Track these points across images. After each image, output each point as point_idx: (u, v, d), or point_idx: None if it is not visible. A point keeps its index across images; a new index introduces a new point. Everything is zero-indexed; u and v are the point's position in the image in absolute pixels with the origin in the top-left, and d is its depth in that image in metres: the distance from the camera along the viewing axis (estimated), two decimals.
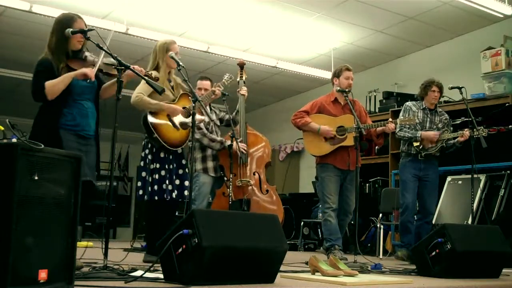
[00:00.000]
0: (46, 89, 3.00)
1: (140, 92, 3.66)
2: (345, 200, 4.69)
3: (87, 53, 3.18)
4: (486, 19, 6.38)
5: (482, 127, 4.72)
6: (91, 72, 3.05)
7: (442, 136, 4.86)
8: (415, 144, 4.88)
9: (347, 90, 4.53)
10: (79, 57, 3.17)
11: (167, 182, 3.73)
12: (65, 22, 3.13)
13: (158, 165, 3.75)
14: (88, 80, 3.07)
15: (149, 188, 3.72)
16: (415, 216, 5.11)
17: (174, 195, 3.76)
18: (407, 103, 5.14)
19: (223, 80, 4.43)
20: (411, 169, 4.93)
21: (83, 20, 3.21)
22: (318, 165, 4.78)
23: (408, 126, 4.95)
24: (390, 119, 4.60)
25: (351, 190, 4.67)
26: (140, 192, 3.77)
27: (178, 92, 3.89)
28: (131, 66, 3.16)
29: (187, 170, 3.89)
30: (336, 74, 4.74)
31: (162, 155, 3.77)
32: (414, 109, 4.97)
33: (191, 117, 3.71)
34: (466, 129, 4.79)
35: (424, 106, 5.00)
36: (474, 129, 4.70)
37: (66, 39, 3.10)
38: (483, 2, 5.67)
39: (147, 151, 3.81)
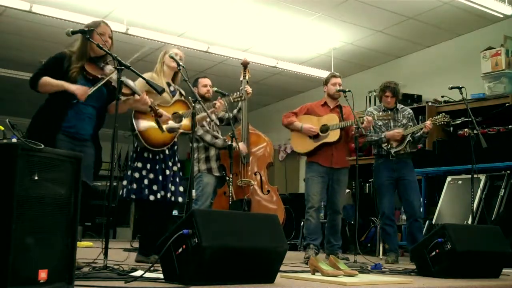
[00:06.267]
0: (39, 83, 3.04)
1: None
2: (332, 201, 4.83)
3: (108, 65, 3.20)
4: (486, 19, 6.38)
5: (443, 114, 4.85)
6: (82, 94, 3.04)
7: (406, 132, 4.94)
8: (384, 145, 4.96)
9: (347, 90, 4.59)
10: (97, 64, 3.20)
11: (145, 182, 3.67)
12: (89, 26, 3.20)
13: (140, 164, 3.72)
14: (75, 101, 3.08)
15: (129, 186, 3.70)
16: (405, 216, 5.21)
17: (159, 195, 3.68)
18: (368, 109, 5.31)
19: (231, 97, 4.32)
20: (385, 171, 5.01)
21: (107, 26, 3.26)
22: (306, 165, 4.94)
23: (373, 129, 5.06)
24: (367, 116, 4.71)
25: (338, 190, 4.80)
26: (123, 190, 3.76)
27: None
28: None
29: (175, 170, 3.84)
30: (325, 82, 4.99)
31: (145, 154, 3.74)
32: (375, 113, 5.04)
33: (181, 122, 3.75)
34: (428, 120, 4.89)
35: (384, 108, 5.09)
36: (437, 118, 4.83)
37: (87, 43, 3.14)
38: (483, 2, 5.66)
39: (133, 149, 3.82)
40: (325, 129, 4.74)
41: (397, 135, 4.91)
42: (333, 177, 4.78)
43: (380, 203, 5.05)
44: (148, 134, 3.70)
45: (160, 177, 3.71)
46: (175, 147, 3.89)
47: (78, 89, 3.04)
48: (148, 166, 3.72)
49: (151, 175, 3.70)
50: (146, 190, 3.66)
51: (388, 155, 4.96)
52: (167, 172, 3.76)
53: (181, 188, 3.84)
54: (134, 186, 3.68)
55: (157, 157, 3.75)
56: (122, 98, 3.25)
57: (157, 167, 3.73)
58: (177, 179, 3.83)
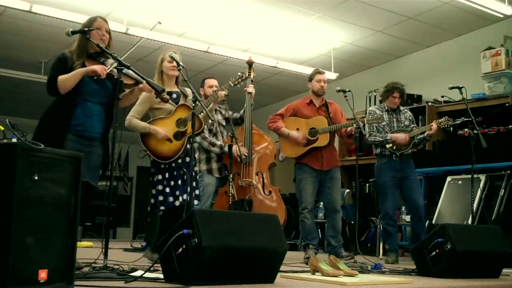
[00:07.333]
0: (58, 83, 3.05)
1: (131, 115, 3.78)
2: (329, 199, 4.76)
3: (109, 59, 3.20)
4: (486, 19, 6.38)
5: (446, 117, 4.87)
6: (101, 70, 3.07)
7: (411, 133, 4.94)
8: (388, 146, 4.95)
9: (347, 90, 4.55)
10: (97, 59, 3.20)
11: (167, 190, 3.74)
12: (86, 24, 3.21)
13: (160, 176, 3.78)
14: (95, 77, 3.09)
15: (153, 200, 3.77)
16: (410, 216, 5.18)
17: (181, 199, 3.74)
18: (370, 108, 5.30)
19: (231, 82, 4.30)
20: (388, 171, 4.98)
21: (104, 20, 3.25)
22: (296, 166, 4.88)
23: (376, 129, 5.03)
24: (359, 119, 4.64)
25: (332, 187, 4.73)
26: (152, 205, 3.80)
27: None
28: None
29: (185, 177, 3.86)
30: (309, 78, 4.90)
31: (162, 166, 3.79)
32: (378, 112, 5.03)
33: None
34: (433, 123, 4.88)
35: (387, 108, 5.09)
36: (441, 121, 4.84)
37: (85, 41, 3.14)
38: (483, 2, 5.66)
39: (151, 164, 3.85)
40: (314, 132, 4.71)
41: (403, 139, 4.89)
42: (326, 177, 4.75)
43: (383, 203, 5.02)
44: (156, 147, 3.76)
45: (180, 182, 3.77)
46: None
47: (95, 66, 3.07)
48: (167, 175, 3.77)
49: (172, 182, 3.76)
50: (171, 198, 3.73)
51: (391, 155, 4.95)
52: (184, 177, 3.82)
53: (197, 191, 3.91)
54: (161, 198, 3.74)
55: (173, 164, 3.79)
56: (126, 90, 3.30)
57: (175, 173, 3.79)
58: (193, 184, 3.87)
